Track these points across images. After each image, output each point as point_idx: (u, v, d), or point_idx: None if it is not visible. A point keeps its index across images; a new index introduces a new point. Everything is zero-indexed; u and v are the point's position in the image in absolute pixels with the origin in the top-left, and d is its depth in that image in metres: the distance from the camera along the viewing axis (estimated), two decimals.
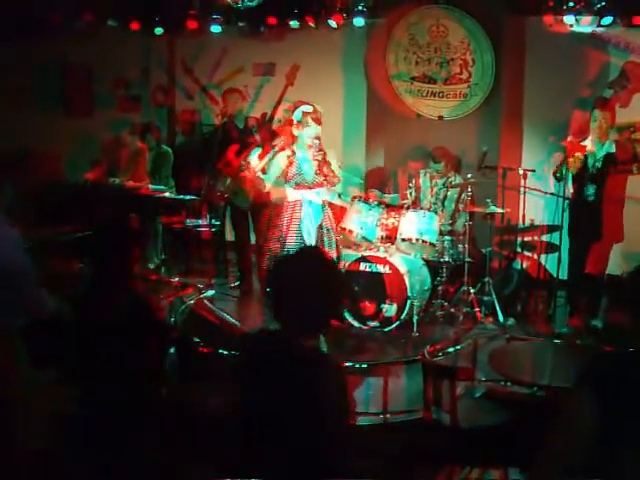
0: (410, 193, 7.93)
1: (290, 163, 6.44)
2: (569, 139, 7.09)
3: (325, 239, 6.53)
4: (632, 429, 2.64)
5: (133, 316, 3.60)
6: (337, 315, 3.21)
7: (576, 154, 6.64)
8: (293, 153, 6.44)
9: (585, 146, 6.77)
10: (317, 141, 6.41)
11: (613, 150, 6.66)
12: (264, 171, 6.61)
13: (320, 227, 6.51)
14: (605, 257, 6.87)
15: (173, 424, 3.61)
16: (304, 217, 6.48)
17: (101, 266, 3.73)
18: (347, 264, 7.11)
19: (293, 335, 2.90)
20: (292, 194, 6.49)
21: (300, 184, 6.47)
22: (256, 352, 3.02)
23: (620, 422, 2.65)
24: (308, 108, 6.42)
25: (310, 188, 6.48)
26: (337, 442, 2.81)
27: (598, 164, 6.75)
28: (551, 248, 7.82)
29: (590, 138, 6.86)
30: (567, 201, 6.88)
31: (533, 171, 7.72)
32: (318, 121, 6.39)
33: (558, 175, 6.93)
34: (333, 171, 6.46)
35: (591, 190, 6.79)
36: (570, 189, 6.77)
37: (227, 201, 8.27)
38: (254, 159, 6.76)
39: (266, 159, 6.53)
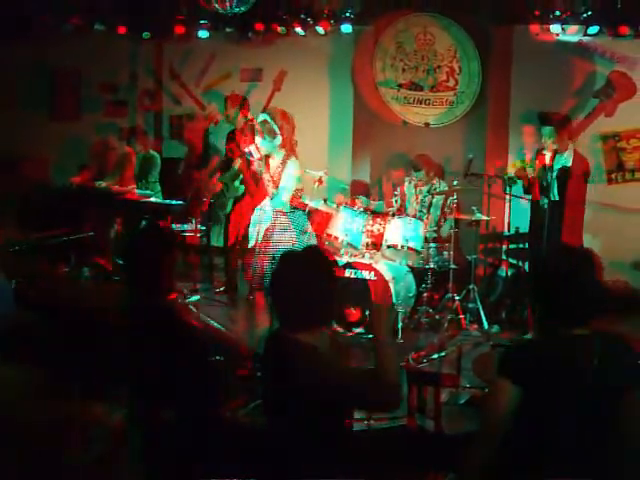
0: (395, 200, 7.95)
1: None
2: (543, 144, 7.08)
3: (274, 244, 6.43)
4: (553, 410, 2.73)
5: (167, 326, 3.53)
6: (329, 314, 3.25)
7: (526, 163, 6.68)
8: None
9: (544, 155, 6.76)
10: (247, 150, 6.40)
11: (569, 164, 6.59)
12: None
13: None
14: None
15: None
16: (252, 223, 6.54)
17: (139, 276, 3.66)
18: None
19: (288, 332, 2.96)
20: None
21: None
22: (266, 351, 3.11)
23: (541, 405, 2.74)
24: (260, 117, 6.39)
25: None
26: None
27: (552, 175, 6.69)
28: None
29: (546, 150, 6.84)
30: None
31: (518, 179, 7.76)
32: (266, 133, 6.30)
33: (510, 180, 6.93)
34: (267, 182, 6.37)
35: (546, 200, 6.74)
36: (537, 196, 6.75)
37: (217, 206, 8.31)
38: (238, 165, 6.77)
39: (255, 165, 6.52)
